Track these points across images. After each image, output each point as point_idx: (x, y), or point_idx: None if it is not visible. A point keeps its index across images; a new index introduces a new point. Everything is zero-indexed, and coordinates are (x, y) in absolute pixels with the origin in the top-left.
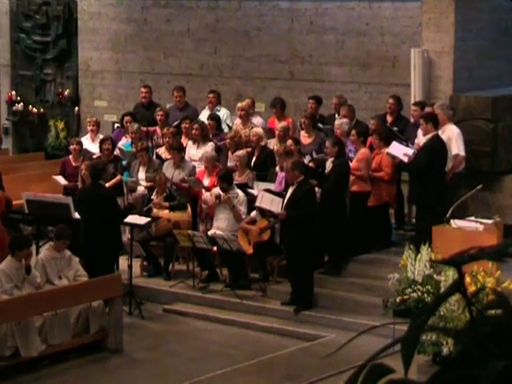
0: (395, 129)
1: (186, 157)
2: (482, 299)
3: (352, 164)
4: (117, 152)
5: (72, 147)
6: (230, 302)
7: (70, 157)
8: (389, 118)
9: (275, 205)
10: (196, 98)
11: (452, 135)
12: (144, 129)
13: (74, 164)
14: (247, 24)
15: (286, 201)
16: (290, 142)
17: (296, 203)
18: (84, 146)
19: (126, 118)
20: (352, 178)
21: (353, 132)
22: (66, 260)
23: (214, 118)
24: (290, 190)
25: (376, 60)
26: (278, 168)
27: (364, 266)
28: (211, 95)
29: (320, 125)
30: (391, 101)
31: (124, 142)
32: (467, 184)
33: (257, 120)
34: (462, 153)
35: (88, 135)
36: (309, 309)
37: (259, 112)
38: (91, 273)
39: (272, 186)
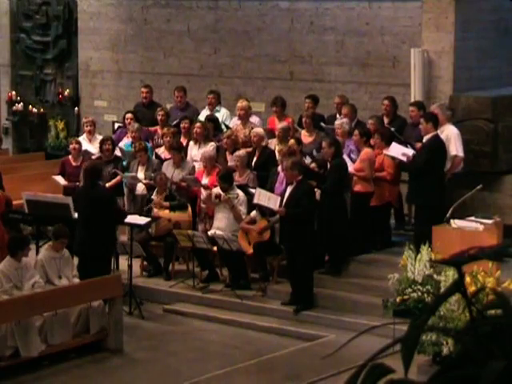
0: (392, 129)
1: (188, 157)
2: (482, 299)
3: (355, 164)
4: (118, 152)
5: (71, 146)
6: (230, 302)
7: (70, 156)
8: (385, 120)
9: (273, 202)
10: (196, 98)
11: (451, 136)
12: (145, 128)
13: (73, 164)
14: (247, 24)
15: (285, 199)
16: (292, 141)
17: (295, 202)
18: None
19: (128, 115)
20: (355, 178)
21: (356, 132)
22: (65, 259)
23: (211, 119)
24: (289, 189)
25: (376, 60)
26: (279, 168)
27: (364, 266)
28: (211, 95)
29: (322, 124)
30: (386, 102)
31: (125, 142)
32: (467, 184)
33: (253, 119)
34: (461, 154)
35: (84, 135)
36: (309, 309)
37: (259, 112)
38: (85, 272)
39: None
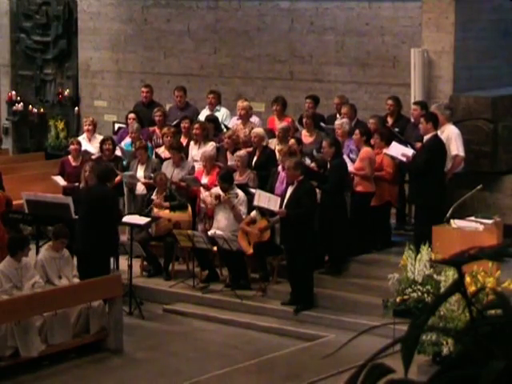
0: (396, 130)
1: (189, 157)
2: (482, 299)
3: (355, 164)
4: (118, 151)
5: (72, 147)
6: (230, 302)
7: (70, 156)
8: (389, 119)
9: (273, 203)
10: (196, 98)
11: (451, 135)
12: (145, 128)
13: (73, 164)
14: (247, 24)
15: (286, 200)
16: (292, 141)
17: (296, 202)
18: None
19: (130, 115)
20: (356, 178)
21: (356, 131)
22: (65, 259)
23: (211, 119)
24: (290, 190)
25: (376, 60)
26: (280, 168)
27: (364, 266)
28: (211, 95)
29: (322, 124)
30: (390, 102)
31: (126, 142)
32: (467, 184)
33: (253, 119)
34: (462, 153)
35: (84, 135)
36: (309, 309)
37: (259, 112)
38: (85, 272)
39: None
